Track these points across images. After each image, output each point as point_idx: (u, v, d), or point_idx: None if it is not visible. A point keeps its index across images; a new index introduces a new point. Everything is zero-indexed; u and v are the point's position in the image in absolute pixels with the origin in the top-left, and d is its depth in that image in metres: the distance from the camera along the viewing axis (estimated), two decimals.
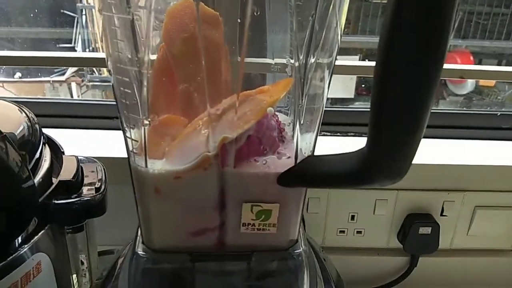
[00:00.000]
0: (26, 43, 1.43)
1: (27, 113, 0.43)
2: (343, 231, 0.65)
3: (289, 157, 0.30)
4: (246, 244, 0.31)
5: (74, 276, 0.44)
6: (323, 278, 0.37)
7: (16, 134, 0.38)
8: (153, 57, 0.30)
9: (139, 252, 0.31)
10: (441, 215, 0.64)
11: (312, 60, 0.27)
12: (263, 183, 0.29)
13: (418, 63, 0.20)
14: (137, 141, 0.28)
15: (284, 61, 0.32)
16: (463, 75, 0.64)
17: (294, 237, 0.32)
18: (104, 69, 2.12)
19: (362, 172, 0.23)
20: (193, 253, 0.31)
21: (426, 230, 0.63)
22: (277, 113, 0.33)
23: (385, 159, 0.22)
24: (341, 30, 0.28)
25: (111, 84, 0.29)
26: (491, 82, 2.06)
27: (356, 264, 0.66)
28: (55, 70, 1.90)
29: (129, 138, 0.28)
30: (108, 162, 0.46)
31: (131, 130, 0.28)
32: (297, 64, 0.27)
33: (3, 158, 0.34)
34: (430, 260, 0.66)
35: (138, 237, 0.32)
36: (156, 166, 0.28)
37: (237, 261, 0.31)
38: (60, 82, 1.95)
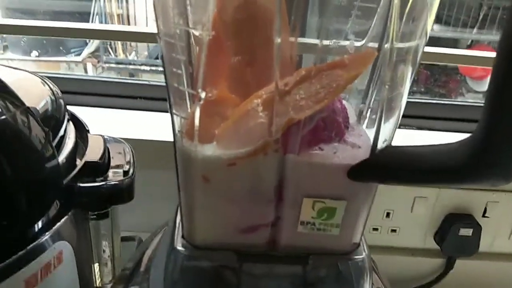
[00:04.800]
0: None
1: (51, 86, 0.40)
2: (377, 229, 0.61)
3: (359, 147, 0.25)
4: (302, 246, 0.27)
5: (96, 265, 0.41)
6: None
7: (38, 108, 0.34)
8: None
9: (178, 248, 0.27)
10: (483, 216, 0.60)
11: (395, 45, 0.23)
12: (331, 175, 0.24)
13: None
14: (186, 118, 0.24)
15: (347, 42, 0.28)
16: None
17: (357, 240, 0.28)
18: (121, 51, 2.10)
19: (472, 167, 0.19)
20: (241, 252, 0.27)
21: (467, 231, 0.59)
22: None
23: (506, 154, 0.18)
24: (431, 18, 0.24)
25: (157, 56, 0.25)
26: None
27: (388, 264, 0.62)
28: (72, 50, 1.89)
29: (176, 115, 0.24)
30: (133, 144, 0.43)
31: (180, 106, 0.24)
32: (386, 45, 0.22)
33: (25, 133, 0.30)
34: (467, 263, 0.62)
35: (177, 230, 0.28)
36: (206, 150, 0.24)
37: (291, 265, 0.27)
38: (76, 62, 1.94)
